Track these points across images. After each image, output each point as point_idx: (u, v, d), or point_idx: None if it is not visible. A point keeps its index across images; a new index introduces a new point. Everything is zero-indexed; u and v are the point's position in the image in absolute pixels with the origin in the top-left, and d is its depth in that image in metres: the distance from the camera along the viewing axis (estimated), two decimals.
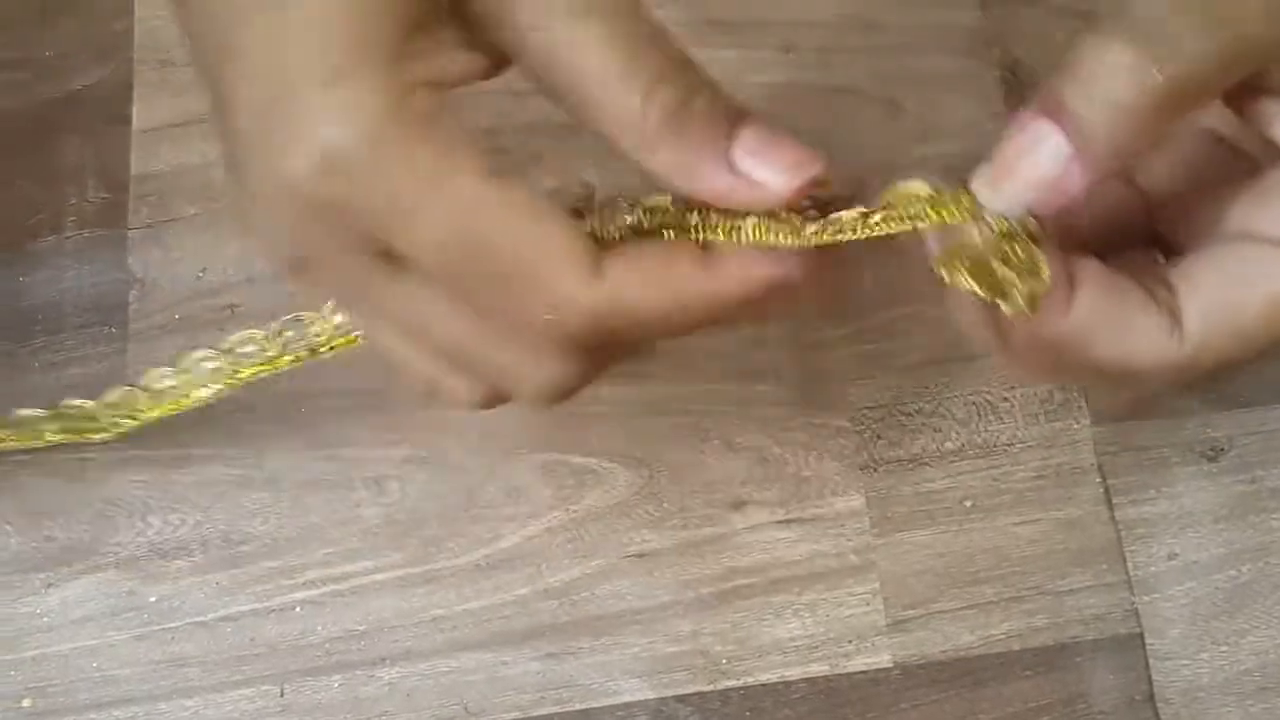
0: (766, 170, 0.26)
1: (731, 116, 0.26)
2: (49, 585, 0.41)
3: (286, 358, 0.37)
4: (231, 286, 0.45)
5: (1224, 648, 0.41)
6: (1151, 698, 0.40)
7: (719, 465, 0.43)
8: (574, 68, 0.25)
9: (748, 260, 0.27)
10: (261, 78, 0.24)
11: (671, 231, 0.28)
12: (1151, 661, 0.40)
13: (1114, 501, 0.42)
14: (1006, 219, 0.27)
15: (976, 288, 0.27)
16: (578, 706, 0.40)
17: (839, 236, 0.28)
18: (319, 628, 0.41)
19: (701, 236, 0.28)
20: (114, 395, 0.40)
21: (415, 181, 0.23)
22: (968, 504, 0.42)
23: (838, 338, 0.44)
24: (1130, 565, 0.41)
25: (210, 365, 0.38)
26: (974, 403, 0.43)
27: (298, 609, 0.41)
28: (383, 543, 0.42)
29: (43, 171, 0.46)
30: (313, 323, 0.36)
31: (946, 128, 0.46)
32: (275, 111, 0.23)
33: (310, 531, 0.42)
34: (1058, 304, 0.28)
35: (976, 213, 0.27)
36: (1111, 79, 0.25)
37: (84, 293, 0.45)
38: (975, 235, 0.27)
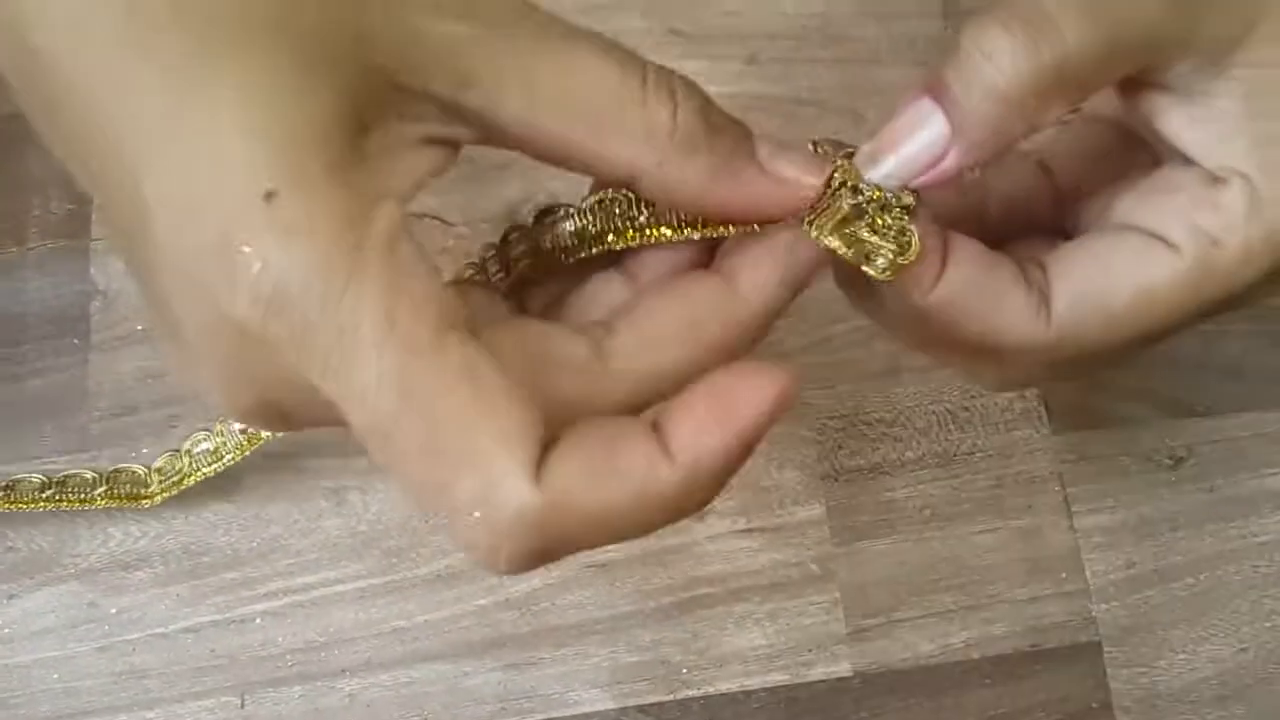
0: (794, 169, 0.26)
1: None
2: (10, 596, 0.41)
3: None
4: (158, 335, 0.45)
5: (1182, 656, 0.41)
6: (1109, 705, 0.40)
7: None
8: (580, 101, 0.23)
9: (711, 421, 0.23)
10: (182, 196, 0.20)
11: (622, 233, 0.28)
12: (1109, 669, 0.41)
13: (1073, 510, 0.42)
14: (881, 189, 0.27)
15: (841, 247, 0.27)
16: (538, 717, 0.40)
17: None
18: (280, 639, 0.41)
19: (654, 234, 0.28)
20: (161, 461, 0.41)
21: (352, 335, 0.20)
22: (928, 513, 0.42)
23: (800, 347, 0.44)
24: (1089, 573, 0.41)
25: (237, 428, 0.39)
26: (934, 412, 0.43)
27: (258, 620, 0.41)
28: (343, 554, 0.42)
29: (6, 182, 0.46)
30: None
31: None
32: (205, 240, 0.20)
33: (271, 543, 0.42)
34: (929, 275, 0.28)
35: (854, 180, 0.28)
36: (988, 64, 0.25)
37: (46, 304, 0.45)
38: (846, 203, 0.28)
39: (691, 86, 0.25)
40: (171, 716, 0.40)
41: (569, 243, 0.28)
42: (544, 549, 0.22)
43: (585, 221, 0.28)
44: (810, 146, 0.27)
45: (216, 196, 0.20)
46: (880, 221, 0.27)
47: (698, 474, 0.22)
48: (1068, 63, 0.25)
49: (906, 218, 0.27)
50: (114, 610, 0.41)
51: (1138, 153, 0.30)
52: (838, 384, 0.44)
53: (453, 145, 0.24)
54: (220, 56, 0.20)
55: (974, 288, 0.27)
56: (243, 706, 0.40)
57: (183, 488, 0.40)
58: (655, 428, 0.23)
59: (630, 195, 0.28)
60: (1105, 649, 0.41)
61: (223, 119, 0.20)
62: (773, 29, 0.48)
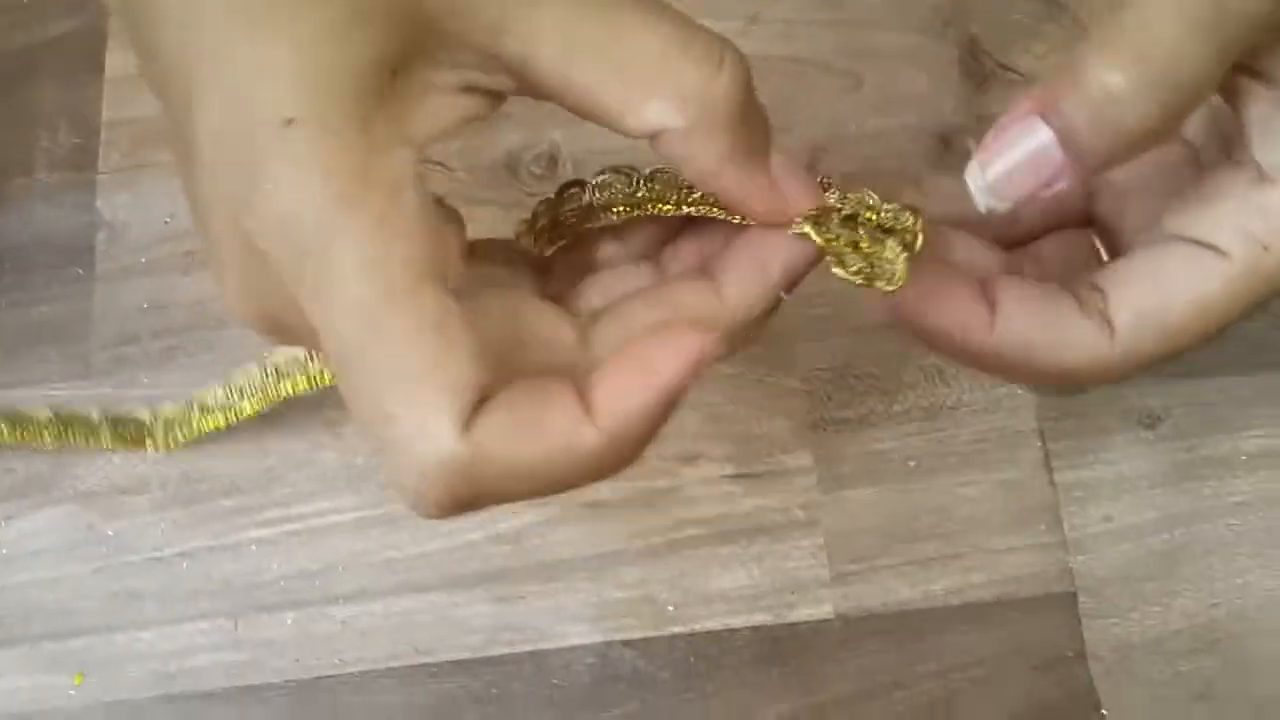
0: (794, 188, 0.27)
1: None
2: (8, 518, 0.42)
3: (328, 375, 0.38)
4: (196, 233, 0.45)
5: (1155, 608, 0.42)
6: (1083, 654, 0.41)
7: (672, 420, 0.43)
8: (616, 57, 0.24)
9: (633, 379, 0.24)
10: (219, 113, 0.22)
11: (621, 209, 0.29)
12: (1084, 620, 0.42)
13: (1053, 465, 0.43)
14: (885, 210, 0.29)
15: (855, 278, 0.28)
16: (525, 648, 0.41)
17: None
18: (274, 566, 0.42)
19: (655, 210, 0.29)
20: (170, 410, 0.41)
21: (337, 264, 0.22)
22: (912, 464, 0.43)
23: (793, 299, 0.45)
24: (1067, 526, 0.42)
25: (256, 381, 0.40)
26: (922, 368, 0.44)
27: (253, 547, 0.42)
28: (339, 485, 0.43)
29: (14, 115, 0.47)
30: None
31: (904, 101, 0.47)
32: (234, 154, 0.22)
33: (268, 473, 0.43)
34: (979, 324, 0.29)
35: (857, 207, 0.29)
36: (1117, 113, 0.25)
37: (52, 234, 0.45)
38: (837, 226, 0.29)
39: (741, 67, 0.25)
40: (165, 637, 0.41)
41: (578, 215, 0.30)
42: (466, 496, 0.23)
43: (593, 196, 0.29)
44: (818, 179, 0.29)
45: (248, 119, 0.22)
46: (875, 243, 0.28)
47: (619, 434, 0.24)
48: (1187, 98, 0.25)
49: (912, 221, 0.28)
50: (111, 533, 0.42)
51: (1175, 157, 0.31)
52: (828, 337, 0.44)
53: (494, 95, 0.25)
54: (280, 6, 0.22)
55: (1030, 326, 0.28)
56: (236, 630, 0.41)
57: (191, 436, 0.41)
58: (581, 391, 0.24)
59: (634, 172, 0.29)
60: (1080, 599, 0.42)
61: (268, 53, 0.22)
62: None
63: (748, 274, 0.28)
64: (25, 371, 0.43)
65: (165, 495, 0.42)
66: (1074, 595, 0.42)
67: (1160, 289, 0.28)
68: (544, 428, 0.23)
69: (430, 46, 0.23)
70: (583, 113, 0.25)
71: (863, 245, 0.28)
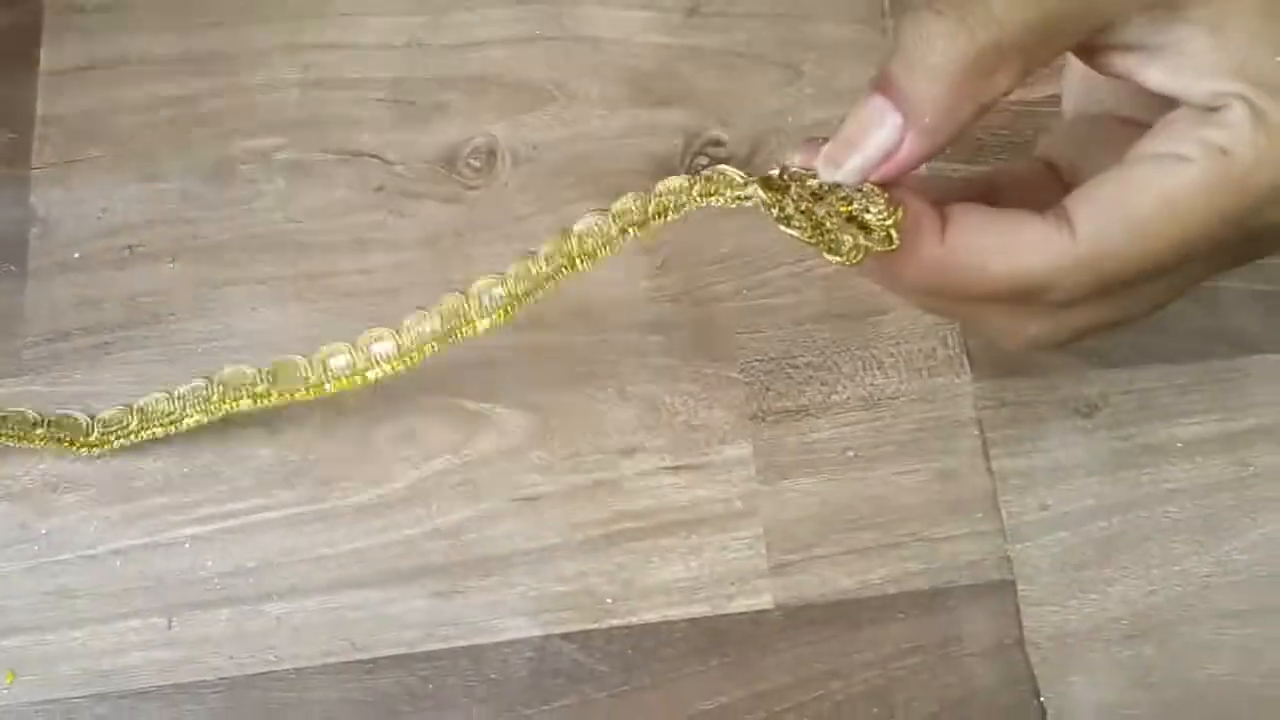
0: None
1: None
2: None
3: (274, 396, 0.39)
4: (132, 227, 0.45)
5: (1093, 595, 0.42)
6: (1021, 642, 0.41)
7: (611, 413, 0.43)
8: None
9: None
10: None
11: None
12: (1022, 607, 0.42)
13: (991, 454, 0.43)
14: (849, 186, 0.29)
15: (803, 238, 0.28)
16: (462, 643, 0.41)
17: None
18: (208, 563, 0.41)
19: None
20: (109, 413, 0.41)
21: None
22: (850, 454, 0.43)
23: (730, 291, 0.45)
24: (1004, 515, 0.43)
25: (201, 395, 0.40)
26: (860, 357, 0.44)
27: (187, 544, 0.42)
28: (275, 482, 0.42)
29: None
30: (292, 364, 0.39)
31: (843, 92, 0.47)
32: None
33: (203, 469, 0.42)
34: (930, 232, 0.29)
35: (814, 188, 0.29)
36: (929, 49, 0.26)
37: None
38: (798, 197, 0.29)
39: None
40: (98, 636, 0.41)
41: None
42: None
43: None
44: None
45: None
46: (846, 206, 0.29)
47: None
48: (1004, 37, 0.26)
49: (878, 202, 0.28)
50: (44, 531, 0.42)
51: (1130, 137, 0.31)
52: (768, 329, 0.44)
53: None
54: None
55: (983, 228, 0.28)
56: (169, 628, 0.41)
57: (126, 444, 0.41)
58: None
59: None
60: (1019, 587, 0.42)
61: None
62: None
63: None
64: None
65: (98, 493, 0.42)
66: (1012, 583, 0.42)
67: (1124, 188, 0.28)
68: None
69: None
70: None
71: (825, 222, 0.28)
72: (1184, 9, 0.27)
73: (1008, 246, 0.29)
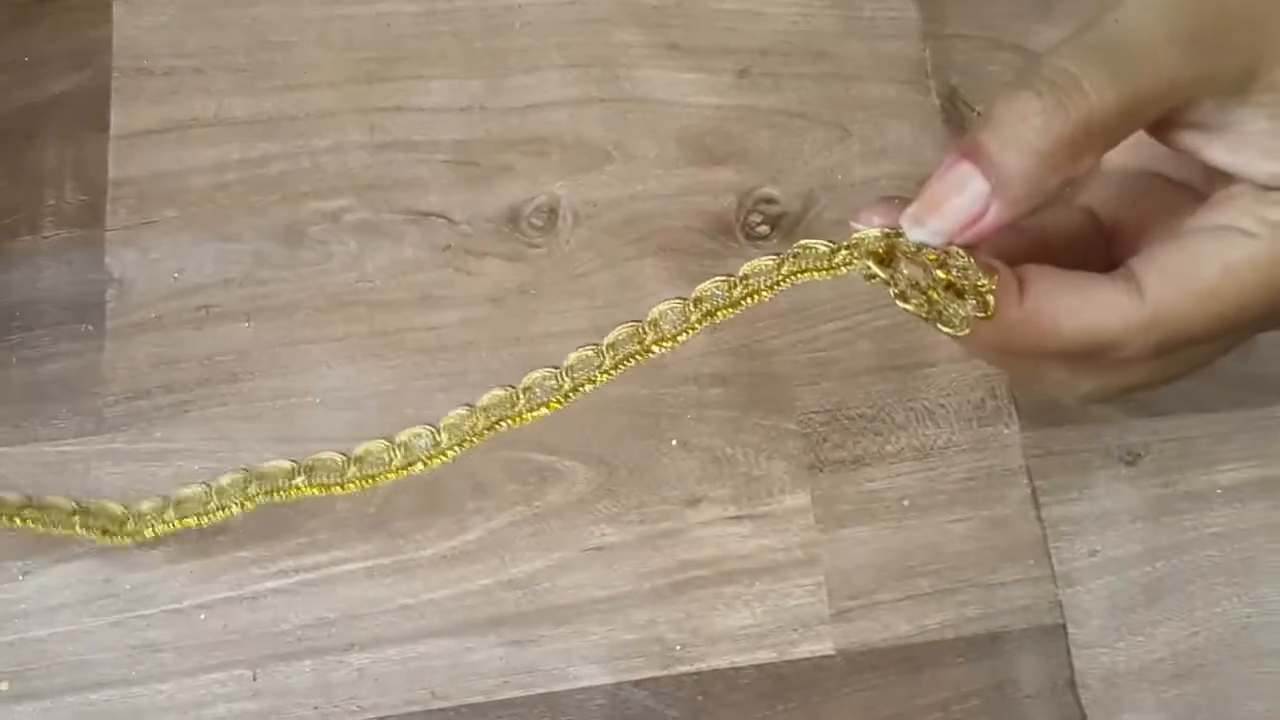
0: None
1: None
2: (26, 573, 0.43)
3: (317, 487, 0.39)
4: (206, 288, 0.46)
5: (1140, 638, 0.44)
6: (1073, 683, 0.43)
7: (675, 464, 0.45)
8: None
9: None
10: None
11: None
12: (1073, 650, 0.44)
13: (1040, 501, 0.45)
14: (934, 247, 0.30)
15: (920, 314, 0.30)
16: (539, 690, 0.42)
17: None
18: (290, 615, 0.43)
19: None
20: (146, 504, 0.41)
21: None
22: (906, 503, 0.45)
23: (785, 345, 0.46)
24: (1055, 561, 0.44)
25: (238, 488, 0.40)
26: (912, 408, 0.46)
27: (270, 597, 0.43)
28: (352, 534, 0.44)
29: (21, 173, 0.47)
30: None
31: (889, 150, 0.49)
32: None
33: (282, 523, 0.44)
34: (1009, 294, 0.30)
35: (904, 249, 0.31)
36: (1022, 125, 0.28)
37: (61, 291, 0.46)
38: (907, 268, 0.31)
39: None
40: (184, 689, 0.42)
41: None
42: None
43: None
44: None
45: None
46: (948, 274, 0.30)
47: None
48: (1094, 117, 0.28)
49: (973, 270, 0.30)
50: (128, 586, 0.43)
51: (1172, 193, 0.33)
52: (823, 381, 0.46)
53: None
54: None
55: (1060, 288, 0.30)
56: (254, 680, 0.42)
57: (161, 533, 0.41)
58: None
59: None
60: (1069, 631, 0.44)
61: None
62: (764, 44, 0.50)
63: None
64: (36, 429, 0.44)
65: (181, 548, 0.43)
66: (1063, 627, 0.44)
67: (1190, 257, 0.30)
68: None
69: None
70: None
71: (930, 293, 0.30)
72: (1251, 95, 0.29)
73: (1081, 308, 0.30)
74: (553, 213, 0.48)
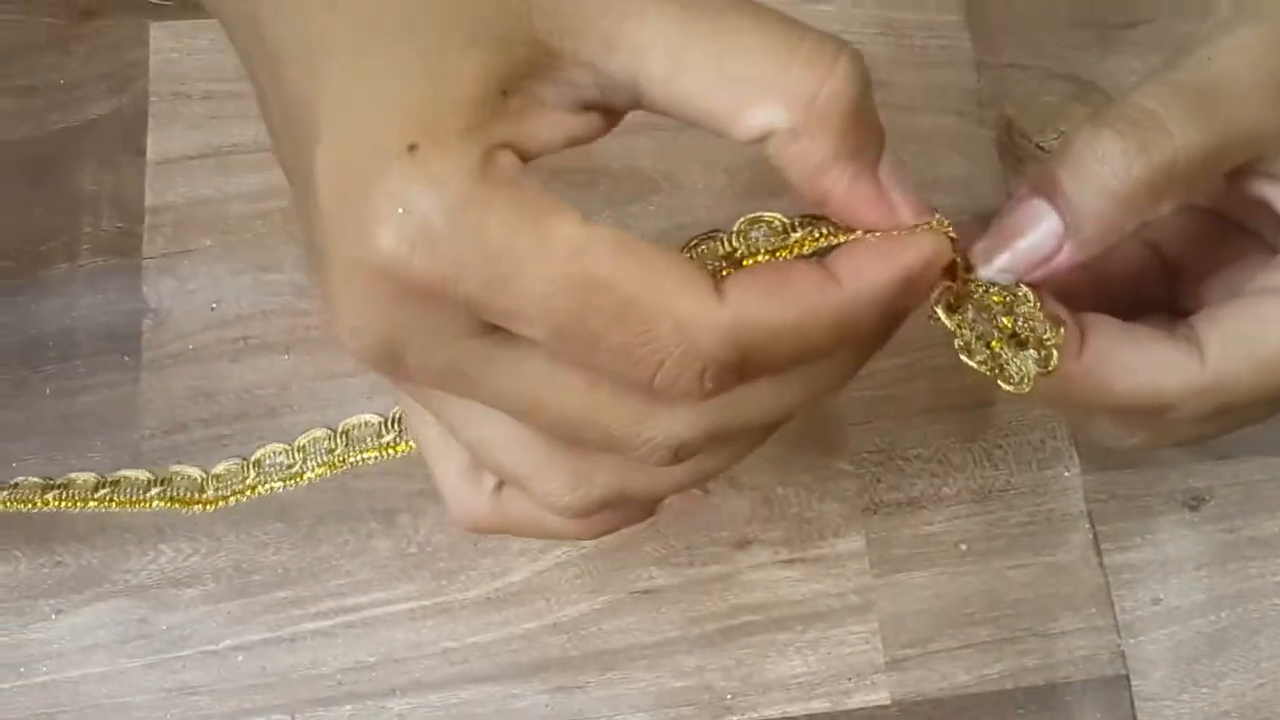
0: (904, 204, 0.26)
1: None
2: (59, 612, 0.42)
3: (401, 445, 0.38)
4: (245, 319, 0.45)
5: (1204, 689, 0.43)
6: None
7: (725, 505, 0.44)
8: (723, 68, 0.24)
9: (874, 255, 0.25)
10: (339, 147, 0.23)
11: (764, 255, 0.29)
12: (1137, 702, 0.42)
13: (1102, 547, 0.44)
14: (1004, 288, 0.29)
15: (984, 370, 0.29)
16: None
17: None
18: (330, 658, 0.41)
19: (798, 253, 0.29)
20: (221, 467, 0.40)
21: (514, 237, 0.22)
22: (963, 547, 0.44)
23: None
24: (1117, 609, 0.43)
25: (324, 445, 0.39)
26: (970, 450, 0.45)
27: (309, 639, 0.42)
28: (393, 575, 0.42)
29: (57, 199, 0.46)
30: None
31: (943, 182, 0.48)
32: (355, 186, 0.22)
33: (321, 562, 0.42)
34: (1069, 347, 0.29)
35: (973, 293, 0.29)
36: (1103, 167, 0.27)
37: (97, 320, 0.45)
38: (973, 313, 0.29)
39: (856, 68, 0.24)
40: None
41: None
42: (739, 363, 0.24)
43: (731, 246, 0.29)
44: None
45: (368, 153, 0.22)
46: (1010, 325, 0.29)
47: (862, 297, 0.24)
48: (1177, 162, 0.27)
49: (1039, 320, 0.28)
50: (164, 626, 0.42)
51: (1237, 237, 0.32)
52: (877, 420, 0.45)
53: (610, 111, 0.25)
54: (397, 40, 0.23)
55: (1119, 345, 0.29)
56: None
57: (245, 498, 0.40)
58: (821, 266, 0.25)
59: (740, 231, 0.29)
60: (1133, 682, 0.42)
61: (382, 91, 0.23)
62: None
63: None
64: (72, 461, 0.43)
65: (218, 587, 0.42)
66: (1126, 678, 0.42)
67: (1253, 320, 0.29)
68: (794, 290, 0.24)
69: (541, 65, 0.24)
70: (693, 122, 0.25)
71: (994, 345, 0.28)
72: None
73: (1140, 368, 0.29)
74: None
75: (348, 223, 0.23)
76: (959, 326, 0.29)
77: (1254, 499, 0.45)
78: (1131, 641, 0.43)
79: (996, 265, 0.29)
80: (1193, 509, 0.44)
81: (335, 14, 0.23)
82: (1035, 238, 0.28)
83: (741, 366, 0.24)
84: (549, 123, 0.24)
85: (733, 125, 0.25)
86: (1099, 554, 0.44)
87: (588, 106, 0.25)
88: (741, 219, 0.28)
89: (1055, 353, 0.29)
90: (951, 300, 0.29)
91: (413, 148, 0.22)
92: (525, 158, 0.24)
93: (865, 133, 0.25)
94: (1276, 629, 0.43)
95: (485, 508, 0.29)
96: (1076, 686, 0.42)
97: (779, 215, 0.28)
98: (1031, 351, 0.29)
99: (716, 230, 0.28)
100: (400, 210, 0.22)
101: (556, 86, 0.24)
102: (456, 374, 0.25)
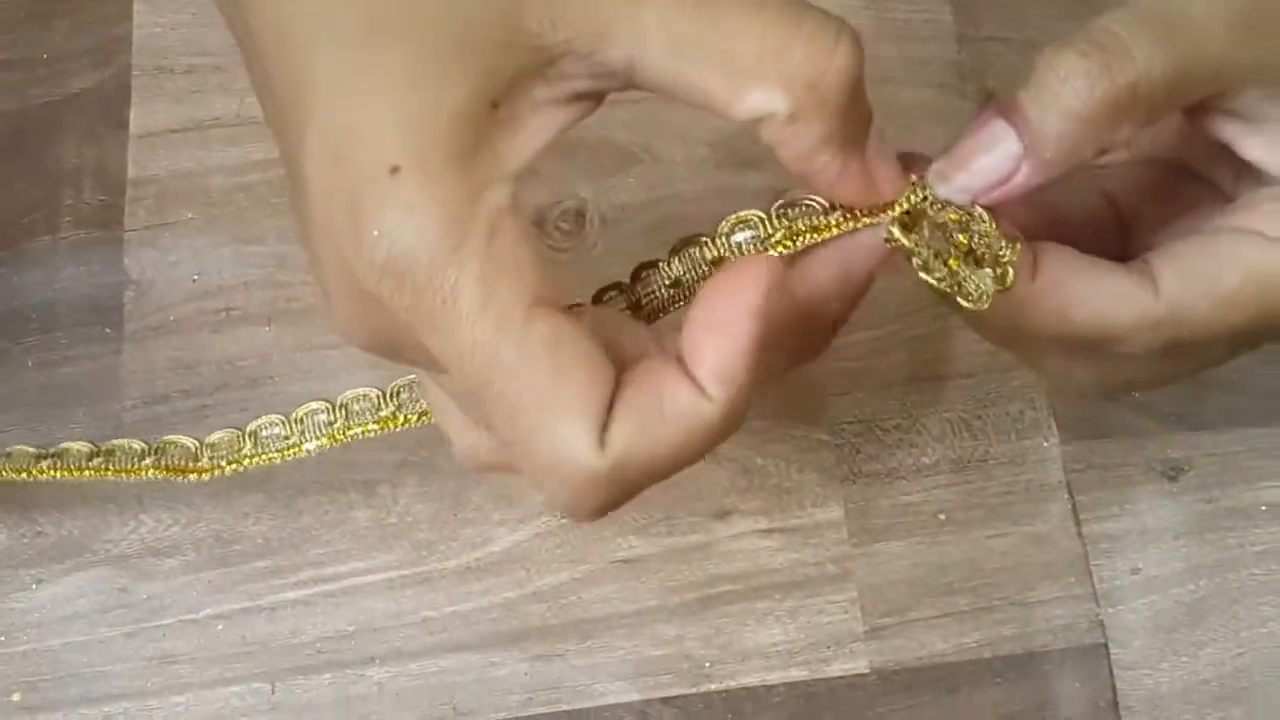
0: (884, 172, 0.27)
1: None
2: (39, 581, 0.42)
3: (400, 418, 0.38)
4: (226, 290, 0.45)
5: (1184, 658, 0.43)
6: (1115, 705, 0.42)
7: (704, 475, 0.44)
8: (721, 52, 0.24)
9: (719, 350, 0.25)
10: (326, 158, 0.23)
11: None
12: (1115, 670, 0.42)
13: (1081, 517, 0.44)
14: (960, 208, 0.29)
15: (942, 286, 0.28)
16: (564, 707, 0.41)
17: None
18: (309, 627, 0.42)
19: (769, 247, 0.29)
20: (216, 436, 0.40)
21: (452, 307, 0.23)
22: (942, 517, 0.44)
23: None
24: (1096, 579, 0.43)
25: (323, 418, 0.39)
26: (949, 420, 0.45)
27: (289, 608, 0.42)
28: (373, 545, 0.43)
29: (39, 172, 0.46)
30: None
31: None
32: (340, 200, 0.23)
33: (302, 533, 0.43)
34: (1023, 269, 0.29)
35: (928, 210, 0.29)
36: (1064, 86, 0.27)
37: (79, 293, 0.45)
38: (927, 232, 0.29)
39: (855, 48, 0.24)
40: (202, 702, 0.41)
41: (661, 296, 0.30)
42: (618, 498, 0.25)
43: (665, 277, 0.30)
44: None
45: (354, 168, 0.22)
46: (971, 238, 0.28)
47: (732, 396, 0.24)
48: (1139, 85, 0.26)
49: (995, 237, 0.28)
50: (145, 596, 0.42)
51: (1194, 188, 0.31)
52: (856, 391, 0.45)
53: (597, 96, 0.25)
54: (387, 45, 0.23)
55: (1072, 271, 0.28)
56: (273, 693, 0.41)
57: (243, 467, 0.40)
58: (680, 362, 0.25)
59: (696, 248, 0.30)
60: (1111, 650, 0.42)
61: (370, 104, 0.22)
62: None
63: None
64: (54, 433, 0.43)
65: (198, 557, 0.42)
66: (1105, 646, 0.42)
67: (1209, 256, 0.28)
68: (668, 419, 0.24)
69: (536, 64, 0.23)
70: (693, 104, 0.25)
71: (951, 263, 0.28)
72: None
73: (1093, 295, 0.29)
74: (580, 216, 0.47)
75: (332, 235, 0.23)
76: (916, 244, 0.29)
77: (1232, 469, 0.45)
78: (1110, 610, 0.43)
79: (955, 185, 0.28)
80: (1171, 479, 0.44)
81: (320, 12, 0.23)
82: (993, 158, 0.28)
83: (618, 501, 0.25)
84: (539, 123, 0.24)
85: (730, 106, 0.25)
86: (1077, 523, 0.44)
87: (579, 95, 0.25)
88: (724, 221, 0.29)
89: (1011, 270, 0.29)
90: (906, 220, 0.29)
91: (395, 170, 0.22)
92: (512, 172, 0.23)
93: (859, 116, 0.25)
94: (1255, 599, 0.43)
95: (488, 444, 0.28)
96: (1055, 655, 0.42)
97: (756, 212, 0.30)
98: (988, 270, 0.29)
99: (700, 235, 0.29)
100: (375, 234, 0.22)
101: (547, 83, 0.24)
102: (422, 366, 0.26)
